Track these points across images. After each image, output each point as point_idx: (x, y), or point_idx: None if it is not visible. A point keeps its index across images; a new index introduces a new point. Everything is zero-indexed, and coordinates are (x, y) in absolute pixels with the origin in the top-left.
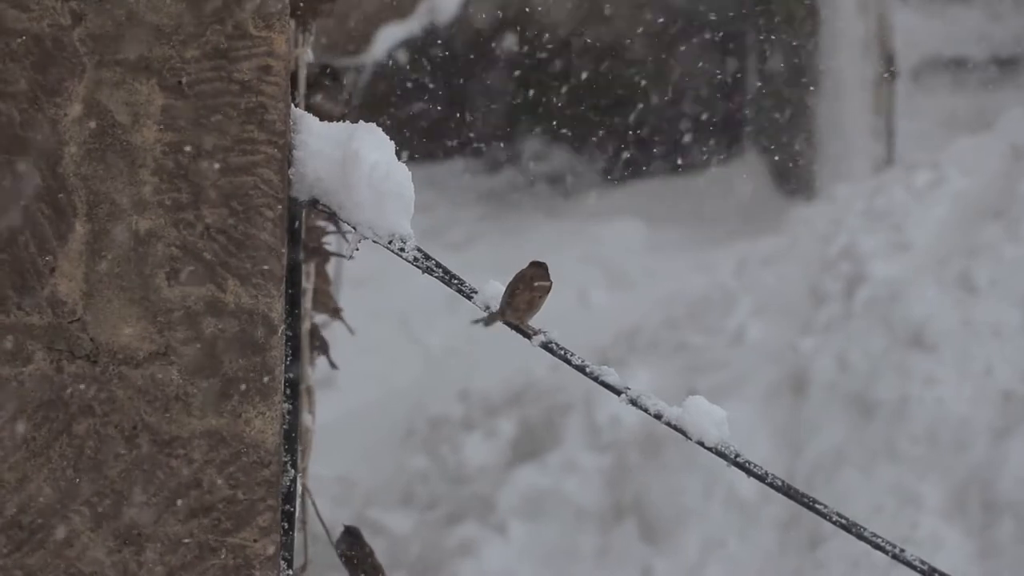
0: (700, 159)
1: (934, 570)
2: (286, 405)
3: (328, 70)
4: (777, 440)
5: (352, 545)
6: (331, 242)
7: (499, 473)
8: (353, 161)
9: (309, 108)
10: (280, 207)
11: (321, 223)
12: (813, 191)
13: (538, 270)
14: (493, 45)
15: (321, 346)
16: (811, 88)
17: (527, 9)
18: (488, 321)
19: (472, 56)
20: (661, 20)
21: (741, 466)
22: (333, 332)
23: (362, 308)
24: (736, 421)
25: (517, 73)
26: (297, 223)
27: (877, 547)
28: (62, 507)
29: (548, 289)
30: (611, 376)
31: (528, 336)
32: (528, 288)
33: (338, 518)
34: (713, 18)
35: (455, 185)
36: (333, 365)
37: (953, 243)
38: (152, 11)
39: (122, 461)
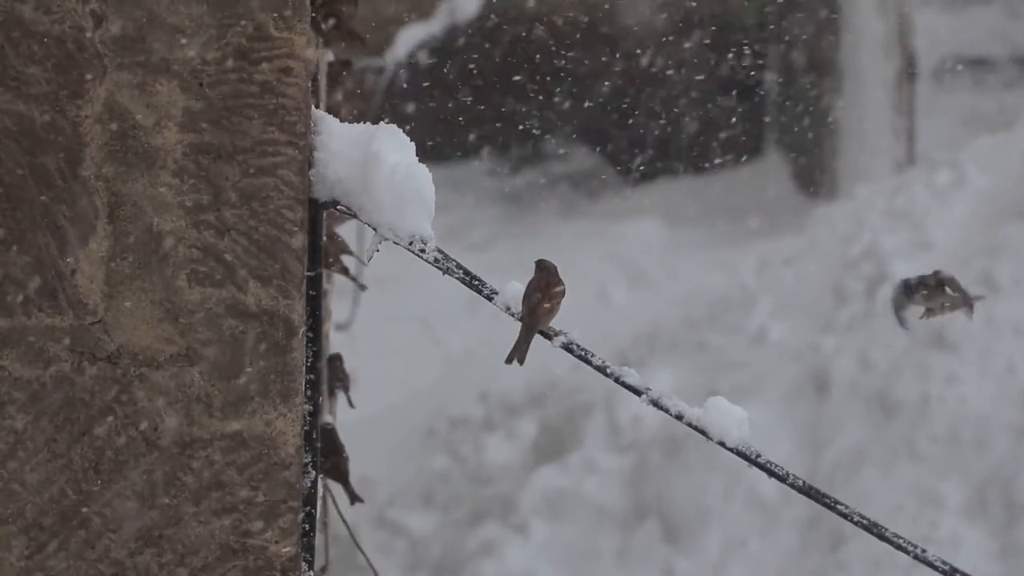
0: (721, 159)
1: (955, 570)
2: (307, 406)
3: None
4: (798, 440)
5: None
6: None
7: (520, 473)
8: (374, 162)
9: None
10: (301, 209)
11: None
12: (834, 191)
13: (551, 276)
14: (513, 46)
15: (342, 381)
16: (832, 88)
17: (547, 10)
18: (521, 358)
19: (492, 57)
20: (682, 21)
21: (762, 466)
22: (354, 333)
23: (383, 310)
24: (757, 421)
25: (537, 74)
26: (318, 225)
27: (899, 547)
28: (83, 509)
29: (564, 292)
30: (632, 377)
31: (549, 337)
32: (547, 297)
33: (359, 519)
34: (735, 18)
35: (476, 186)
36: (351, 404)
37: (974, 242)
38: (173, 13)
39: (143, 463)
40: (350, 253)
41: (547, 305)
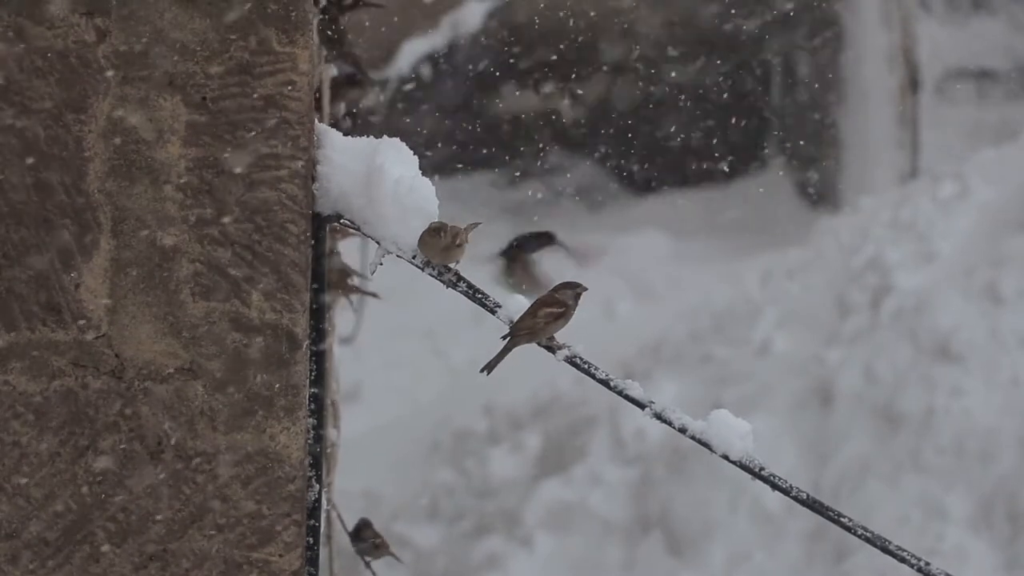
0: (725, 171)
1: None
2: (311, 420)
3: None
4: (803, 452)
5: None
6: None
7: (524, 486)
8: (377, 176)
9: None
10: (304, 222)
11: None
12: (838, 202)
13: (554, 295)
14: (516, 58)
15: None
16: (836, 100)
17: (551, 23)
18: (490, 368)
19: (495, 69)
20: (686, 34)
21: (766, 479)
22: (358, 346)
23: (387, 323)
24: (761, 433)
25: (541, 86)
26: (321, 238)
27: (904, 560)
28: (88, 523)
29: (560, 315)
30: (635, 390)
31: (553, 350)
32: (533, 314)
33: None
34: (737, 30)
35: (479, 198)
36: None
37: (979, 254)
38: (176, 28)
39: (147, 477)
40: (354, 274)
41: (529, 321)
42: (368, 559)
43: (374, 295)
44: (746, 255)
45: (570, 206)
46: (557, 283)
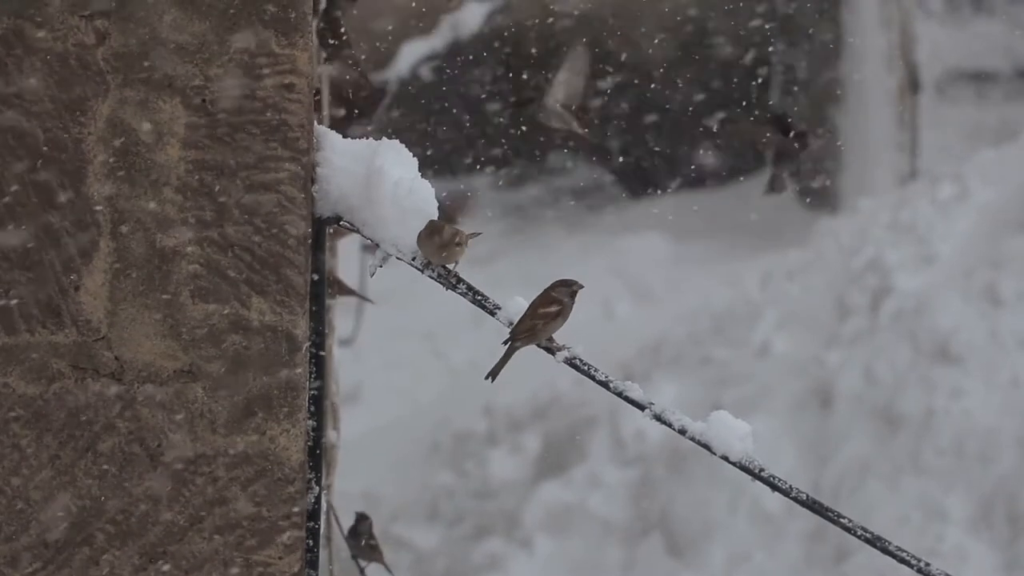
0: (724, 173)
1: None
2: (310, 422)
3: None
4: (803, 453)
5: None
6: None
7: (524, 488)
8: (377, 178)
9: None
10: (304, 224)
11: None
12: (838, 204)
13: (550, 293)
14: (516, 59)
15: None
16: (835, 101)
17: (550, 24)
18: (493, 375)
19: (495, 70)
20: (685, 34)
21: (766, 480)
22: (358, 348)
23: (387, 324)
24: (761, 434)
25: (541, 87)
26: (321, 240)
27: (903, 561)
28: (87, 525)
29: (557, 314)
30: (635, 391)
31: (552, 352)
32: (531, 316)
33: None
34: (737, 32)
35: (479, 200)
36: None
37: (978, 255)
38: (175, 30)
39: (147, 479)
40: (351, 292)
41: (528, 324)
42: (363, 564)
43: (368, 299)
44: (746, 257)
45: (570, 207)
46: (553, 281)
